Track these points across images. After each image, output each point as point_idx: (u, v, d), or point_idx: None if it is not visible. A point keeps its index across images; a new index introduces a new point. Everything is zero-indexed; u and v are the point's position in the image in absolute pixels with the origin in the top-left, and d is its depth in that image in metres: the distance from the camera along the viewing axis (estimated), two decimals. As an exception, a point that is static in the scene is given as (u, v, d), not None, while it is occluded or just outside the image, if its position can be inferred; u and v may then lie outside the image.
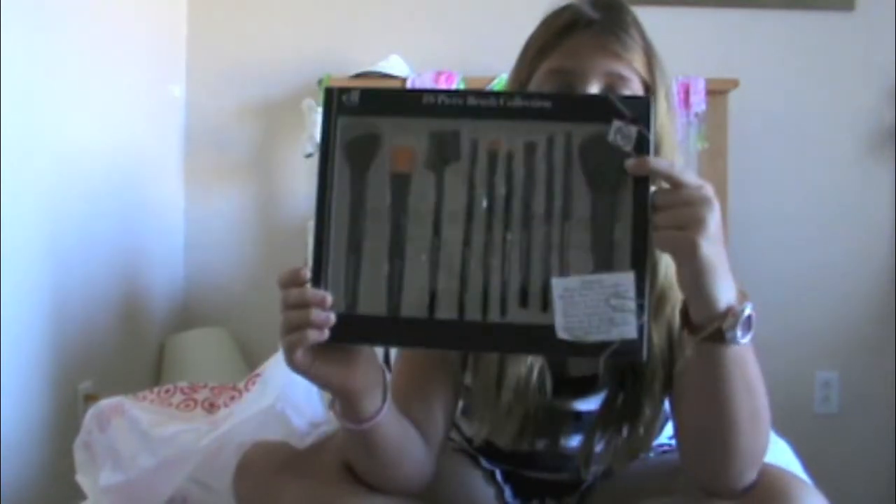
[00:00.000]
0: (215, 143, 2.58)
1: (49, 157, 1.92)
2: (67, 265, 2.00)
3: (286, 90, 2.53)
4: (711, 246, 0.89)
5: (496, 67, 2.39)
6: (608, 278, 0.91)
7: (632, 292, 0.90)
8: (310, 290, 0.93)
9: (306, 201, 2.56)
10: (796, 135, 2.53)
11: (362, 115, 0.97)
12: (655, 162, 0.91)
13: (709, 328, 0.92)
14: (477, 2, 2.53)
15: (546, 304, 0.92)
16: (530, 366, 1.13)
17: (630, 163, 0.91)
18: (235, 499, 1.13)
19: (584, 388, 1.15)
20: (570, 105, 0.95)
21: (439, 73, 2.39)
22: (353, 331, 0.95)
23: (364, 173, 0.96)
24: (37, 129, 1.87)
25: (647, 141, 0.92)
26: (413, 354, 1.20)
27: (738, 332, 0.92)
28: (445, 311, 0.94)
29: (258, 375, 1.33)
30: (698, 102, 2.35)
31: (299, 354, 0.92)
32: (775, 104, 2.52)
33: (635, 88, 1.12)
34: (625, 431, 1.13)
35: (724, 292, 0.91)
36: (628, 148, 0.91)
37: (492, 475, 1.23)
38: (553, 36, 1.15)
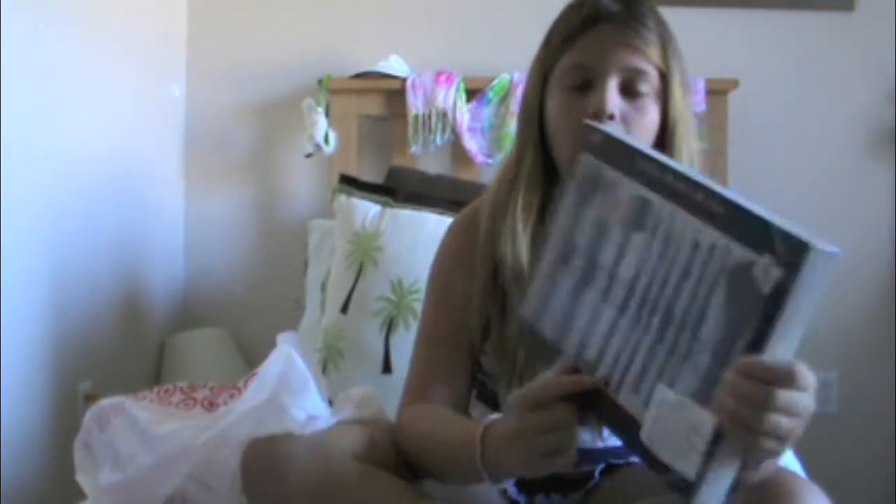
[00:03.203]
0: (215, 143, 2.58)
1: (49, 157, 1.92)
2: (67, 265, 2.00)
3: (286, 90, 2.53)
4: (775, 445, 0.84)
5: (496, 67, 2.39)
6: (694, 410, 0.86)
7: (706, 437, 0.85)
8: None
9: (306, 201, 2.56)
10: (796, 135, 2.53)
11: (598, 157, 1.02)
12: (763, 365, 0.81)
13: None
14: (477, 2, 2.53)
15: (648, 402, 0.91)
16: None
17: (743, 363, 0.82)
18: (242, 488, 1.13)
19: None
20: (739, 218, 0.86)
21: (439, 73, 2.39)
22: (530, 341, 1.08)
23: (584, 210, 1.03)
24: (37, 130, 1.87)
25: (787, 293, 0.80)
26: (432, 336, 1.28)
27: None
28: (588, 358, 0.99)
29: (256, 374, 1.33)
30: (698, 102, 2.35)
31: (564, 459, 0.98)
32: (775, 104, 2.52)
33: (652, 80, 1.17)
34: None
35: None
36: (765, 290, 0.81)
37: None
38: (573, 29, 1.19)
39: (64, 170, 1.97)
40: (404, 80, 2.40)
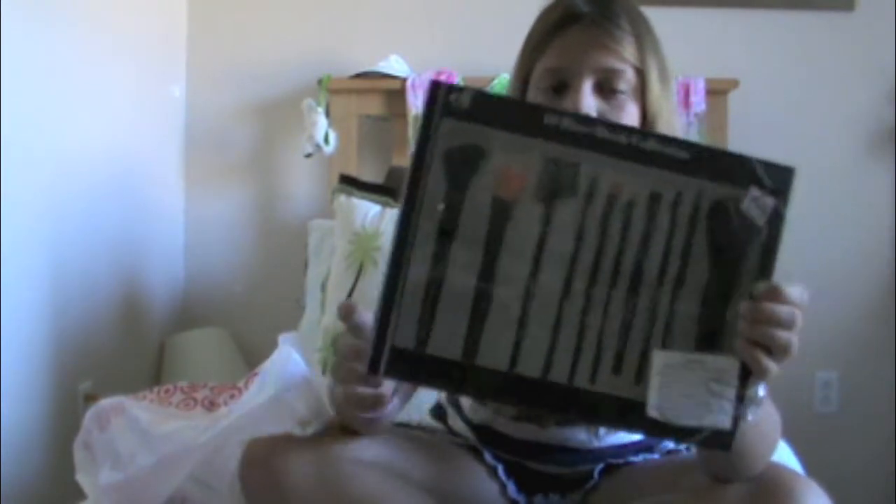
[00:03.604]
0: (215, 143, 2.58)
1: (49, 157, 1.92)
2: (67, 265, 2.00)
3: (286, 90, 2.53)
4: (782, 364, 0.87)
5: (496, 67, 2.39)
6: (712, 361, 0.85)
7: (735, 381, 0.84)
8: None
9: (306, 201, 2.56)
10: (796, 135, 2.53)
11: (471, 121, 0.84)
12: (786, 288, 0.85)
13: None
14: (477, 2, 2.53)
15: (640, 375, 0.85)
16: None
17: (767, 290, 0.85)
18: (242, 488, 1.13)
19: None
20: (707, 160, 0.86)
21: (439, 73, 2.39)
22: (418, 371, 0.85)
23: (462, 191, 0.84)
24: (37, 130, 1.87)
25: (782, 218, 0.85)
26: None
27: (749, 415, 0.89)
28: (528, 367, 0.85)
29: (256, 374, 1.33)
30: (698, 102, 2.35)
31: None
32: (775, 104, 2.52)
33: (628, 78, 1.17)
34: None
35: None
36: (761, 221, 0.85)
37: (494, 471, 1.24)
38: (546, 33, 1.20)
39: (64, 170, 1.98)
40: (404, 80, 2.40)
